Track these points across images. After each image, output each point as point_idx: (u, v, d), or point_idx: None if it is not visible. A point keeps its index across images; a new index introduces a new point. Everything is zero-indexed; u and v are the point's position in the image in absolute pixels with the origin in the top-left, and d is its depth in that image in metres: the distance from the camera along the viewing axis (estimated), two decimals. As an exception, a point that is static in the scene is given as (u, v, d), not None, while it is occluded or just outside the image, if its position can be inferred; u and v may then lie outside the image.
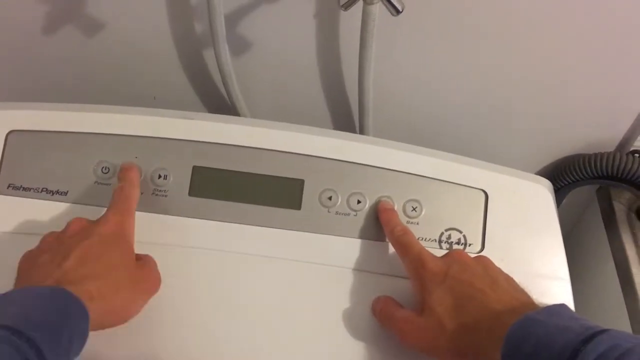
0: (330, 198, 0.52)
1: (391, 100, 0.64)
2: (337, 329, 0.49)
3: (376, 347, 0.48)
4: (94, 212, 0.51)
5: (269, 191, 0.52)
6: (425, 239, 0.52)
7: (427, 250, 0.48)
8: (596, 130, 0.65)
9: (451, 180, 0.53)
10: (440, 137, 0.66)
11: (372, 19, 0.50)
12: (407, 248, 0.48)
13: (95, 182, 0.52)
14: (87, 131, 0.52)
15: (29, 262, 0.44)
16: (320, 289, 0.51)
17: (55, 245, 0.45)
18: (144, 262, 0.48)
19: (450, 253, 0.48)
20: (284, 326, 0.48)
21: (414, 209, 0.53)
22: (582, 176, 0.65)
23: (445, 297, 0.44)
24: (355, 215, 0.52)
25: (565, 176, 0.67)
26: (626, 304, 0.59)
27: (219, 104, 0.68)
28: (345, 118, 0.67)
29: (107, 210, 0.47)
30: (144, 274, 0.47)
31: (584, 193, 0.72)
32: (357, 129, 0.66)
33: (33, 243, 0.49)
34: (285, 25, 0.58)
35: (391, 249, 0.52)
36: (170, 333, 0.47)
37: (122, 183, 0.49)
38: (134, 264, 0.46)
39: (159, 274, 0.48)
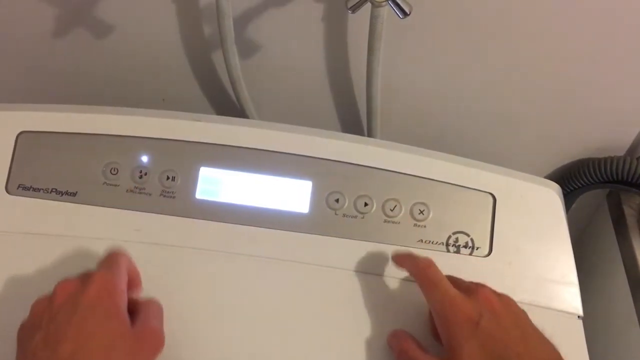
0: (337, 200, 0.52)
1: (399, 103, 0.64)
2: (343, 332, 0.49)
3: (383, 351, 0.48)
4: (102, 213, 0.51)
5: (276, 193, 0.52)
6: (433, 242, 0.52)
7: (454, 289, 0.44)
8: (606, 134, 0.64)
9: (459, 184, 0.53)
10: (449, 141, 0.66)
11: (380, 21, 0.50)
12: (434, 284, 0.45)
13: (104, 183, 0.52)
14: (96, 132, 0.53)
15: (25, 336, 0.41)
16: (327, 292, 0.51)
17: (46, 319, 0.41)
18: (143, 321, 0.43)
19: (477, 292, 0.45)
20: (291, 328, 0.49)
21: (421, 212, 0.52)
22: (592, 180, 0.65)
23: (477, 354, 0.41)
24: (362, 217, 0.52)
25: (575, 180, 0.66)
26: (636, 309, 0.59)
27: (228, 106, 0.68)
28: (353, 121, 0.67)
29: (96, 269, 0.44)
30: (144, 338, 0.42)
31: (594, 197, 0.72)
32: (365, 131, 0.66)
33: (43, 243, 0.50)
34: (293, 29, 0.58)
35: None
36: (177, 337, 0.47)
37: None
38: (130, 333, 0.41)
39: (160, 330, 0.44)
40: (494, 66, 0.59)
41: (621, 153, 0.66)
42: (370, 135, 0.65)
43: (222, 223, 0.52)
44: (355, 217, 0.52)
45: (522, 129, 0.66)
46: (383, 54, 0.54)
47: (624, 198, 0.67)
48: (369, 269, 0.52)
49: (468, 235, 0.52)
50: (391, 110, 0.64)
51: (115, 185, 0.52)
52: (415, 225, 0.52)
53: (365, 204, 0.52)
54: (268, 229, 0.52)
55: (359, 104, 0.65)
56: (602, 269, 0.70)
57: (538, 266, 0.52)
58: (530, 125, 0.65)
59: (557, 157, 0.69)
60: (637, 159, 0.61)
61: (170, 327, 0.46)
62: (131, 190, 0.52)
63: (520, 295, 0.51)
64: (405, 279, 0.51)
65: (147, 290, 0.49)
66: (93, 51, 0.64)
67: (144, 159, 0.52)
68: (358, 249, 0.52)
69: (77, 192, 0.52)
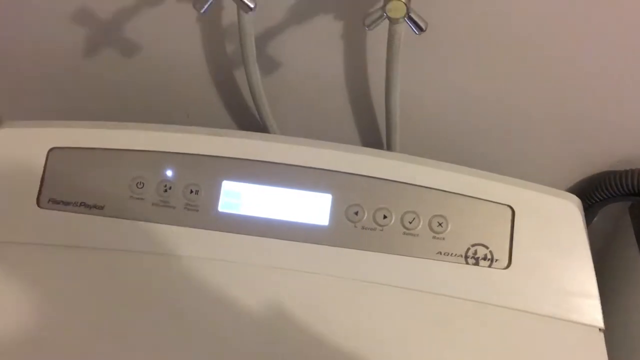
0: (356, 213, 0.53)
1: (418, 116, 0.64)
2: (364, 345, 0.49)
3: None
4: (128, 227, 0.53)
5: (296, 206, 0.53)
6: (452, 254, 0.53)
7: None
8: (628, 146, 0.64)
9: (477, 196, 0.54)
10: (468, 154, 0.67)
11: (398, 37, 0.51)
12: None
13: (130, 196, 0.54)
14: (123, 148, 0.55)
15: None
16: (347, 303, 0.51)
17: None
18: None
19: None
20: (314, 341, 0.49)
21: (439, 225, 0.53)
22: (613, 193, 0.65)
23: None
24: (382, 230, 0.53)
25: (597, 193, 0.66)
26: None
27: (250, 121, 0.70)
28: (373, 135, 0.68)
29: None
30: None
31: (616, 210, 0.71)
32: (385, 145, 0.67)
33: (72, 256, 0.52)
34: (313, 46, 0.59)
35: (417, 265, 0.52)
36: (198, 348, 0.48)
37: None
38: None
39: None
40: (513, 78, 0.59)
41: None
42: (389, 149, 0.66)
43: (244, 235, 0.53)
44: (375, 229, 0.53)
45: (543, 142, 0.66)
46: (401, 68, 0.55)
47: (646, 210, 0.66)
48: (388, 281, 0.52)
49: (487, 248, 0.53)
50: (410, 124, 0.64)
51: (141, 199, 0.54)
52: (434, 237, 0.53)
53: (385, 217, 0.53)
54: (289, 241, 0.53)
55: (378, 118, 0.66)
56: (625, 282, 0.69)
57: (558, 278, 0.52)
58: (551, 138, 0.65)
59: (578, 170, 0.69)
60: (659, 171, 0.61)
61: (193, 338, 0.48)
62: (156, 204, 0.54)
63: (540, 308, 0.51)
64: (423, 291, 0.52)
65: (171, 302, 0.50)
66: (121, 69, 0.66)
67: (169, 173, 0.54)
68: (377, 261, 0.52)
69: (104, 205, 0.54)
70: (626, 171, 0.63)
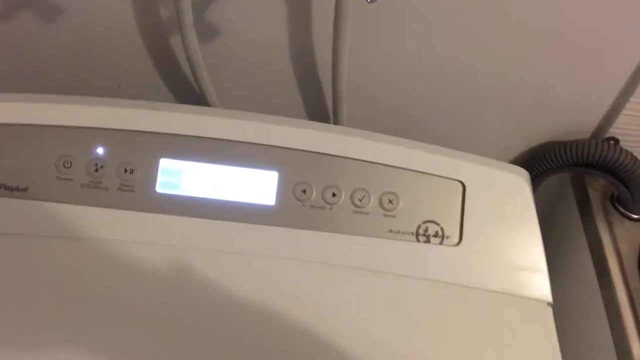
0: (304, 191, 0.51)
1: (366, 89, 0.62)
2: (311, 327, 0.47)
3: (350, 347, 0.47)
4: (55, 209, 0.48)
5: (241, 185, 0.50)
6: (402, 232, 0.51)
7: None
8: (571, 117, 0.64)
9: (428, 172, 0.52)
10: (415, 127, 0.65)
11: (346, 4, 0.48)
12: None
13: (57, 177, 0.49)
14: (47, 123, 0.50)
15: None
16: (295, 285, 0.49)
17: None
18: None
19: None
20: (259, 325, 0.47)
21: (390, 202, 0.51)
22: (557, 164, 0.65)
23: None
24: (331, 208, 0.51)
25: (540, 164, 0.66)
26: (602, 293, 0.59)
27: (188, 93, 0.65)
28: (320, 108, 0.65)
29: None
30: None
31: (558, 181, 0.72)
32: (332, 119, 0.64)
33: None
34: (256, 11, 0.56)
35: (367, 244, 0.50)
36: (138, 337, 0.45)
37: None
38: None
39: None
40: (458, 49, 0.58)
41: (586, 136, 0.66)
42: (336, 122, 0.63)
43: (184, 217, 0.50)
44: (324, 208, 0.51)
45: (487, 114, 0.65)
46: (350, 36, 0.52)
47: (589, 181, 0.67)
48: (338, 261, 0.50)
49: (438, 224, 0.52)
50: (358, 96, 0.62)
51: (69, 180, 0.49)
52: (385, 215, 0.51)
53: (334, 195, 0.51)
54: (233, 222, 0.50)
55: (325, 90, 0.63)
56: (567, 253, 0.70)
57: (508, 254, 0.52)
58: (495, 110, 0.64)
59: (522, 141, 0.68)
60: (602, 142, 0.61)
61: (133, 326, 0.44)
62: (86, 185, 0.49)
63: (490, 284, 0.51)
64: (373, 270, 0.50)
65: (108, 290, 0.46)
66: (40, 35, 0.60)
67: (100, 151, 0.50)
68: (327, 241, 0.50)
69: (27, 187, 0.49)
70: (570, 142, 0.63)
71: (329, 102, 0.64)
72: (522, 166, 0.57)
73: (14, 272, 0.47)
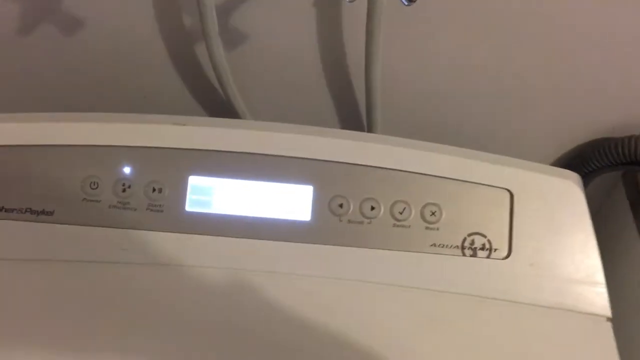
0: (341, 205, 0.48)
1: (400, 93, 0.59)
2: (352, 348, 0.44)
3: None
4: (83, 233, 0.47)
5: (274, 201, 0.48)
6: (447, 245, 0.48)
7: None
8: (621, 112, 0.60)
9: (472, 180, 0.49)
10: (453, 132, 0.62)
11: (379, 4, 0.45)
12: None
13: (84, 199, 0.47)
14: (71, 143, 0.48)
15: None
16: (333, 305, 0.47)
17: None
18: None
19: None
20: (297, 347, 0.44)
21: (433, 214, 0.48)
22: (607, 162, 0.61)
23: None
24: (370, 223, 0.48)
25: (589, 163, 0.62)
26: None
27: (215, 103, 0.63)
28: (352, 115, 0.62)
29: None
30: None
31: (609, 179, 0.68)
32: (365, 125, 0.61)
33: (19, 270, 0.46)
34: (284, 17, 0.53)
35: (409, 259, 0.47)
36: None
37: None
38: None
39: None
40: (499, 48, 0.54)
41: (637, 132, 0.62)
42: (370, 129, 0.60)
43: (216, 237, 0.47)
44: (362, 222, 0.48)
45: (531, 113, 0.61)
46: (383, 40, 0.49)
47: (642, 179, 0.63)
48: (379, 279, 0.47)
49: (485, 237, 0.48)
50: (392, 101, 0.59)
51: (96, 201, 0.47)
52: (427, 228, 0.48)
53: (372, 208, 0.48)
54: (267, 241, 0.48)
55: (358, 95, 0.60)
56: (618, 254, 0.66)
57: (562, 266, 0.48)
58: (541, 108, 0.61)
59: (569, 140, 0.65)
60: (657, 139, 0.57)
61: (166, 350, 0.42)
62: (114, 206, 0.47)
63: (544, 299, 0.48)
64: (417, 288, 0.47)
65: (139, 314, 0.44)
66: (63, 49, 0.58)
67: (126, 170, 0.48)
68: (366, 258, 0.48)
69: (54, 210, 0.47)
70: (621, 139, 0.59)
71: (362, 109, 0.61)
72: (569, 166, 0.53)
73: (43, 299, 0.45)
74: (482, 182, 0.49)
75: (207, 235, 0.47)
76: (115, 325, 0.44)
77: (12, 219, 0.47)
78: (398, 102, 0.59)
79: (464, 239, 0.48)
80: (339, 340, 0.45)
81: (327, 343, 0.44)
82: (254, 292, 0.46)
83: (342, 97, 0.61)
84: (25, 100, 0.64)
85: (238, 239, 0.47)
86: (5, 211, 0.47)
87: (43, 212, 0.47)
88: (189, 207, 0.47)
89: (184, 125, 0.48)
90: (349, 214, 0.48)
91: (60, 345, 0.43)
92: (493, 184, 0.49)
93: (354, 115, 0.62)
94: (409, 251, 0.48)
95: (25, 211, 0.47)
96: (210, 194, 0.48)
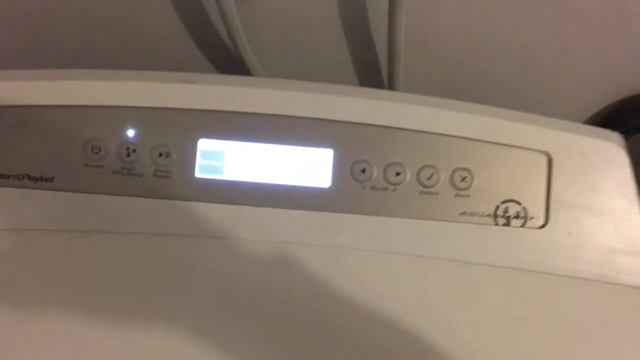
0: (363, 171, 0.44)
1: (424, 46, 0.54)
2: (379, 326, 0.41)
3: (416, 339, 0.40)
4: (85, 200, 0.43)
5: (291, 166, 0.44)
6: (478, 214, 0.44)
7: None
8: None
9: (506, 143, 0.45)
10: (484, 89, 0.57)
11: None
12: None
13: (85, 164, 0.44)
14: (71, 103, 0.44)
15: None
16: (358, 279, 0.43)
17: None
18: None
19: None
20: (314, 323, 0.41)
21: (463, 179, 0.44)
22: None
23: None
24: (395, 189, 0.44)
25: (628, 121, 0.58)
26: None
27: (227, 61, 0.59)
28: (371, 69, 0.58)
29: None
30: None
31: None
32: (386, 83, 0.57)
33: (17, 240, 0.42)
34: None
35: (437, 229, 0.44)
36: (183, 335, 0.40)
37: None
38: None
39: None
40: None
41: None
42: (391, 85, 0.56)
43: (227, 205, 0.44)
44: (386, 189, 0.44)
45: (569, 66, 0.56)
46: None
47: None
48: (406, 250, 0.44)
49: (520, 204, 0.45)
50: (416, 54, 0.54)
51: (99, 167, 0.44)
52: (457, 195, 0.44)
53: (397, 173, 0.44)
54: (283, 209, 0.44)
55: (378, 47, 0.55)
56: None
57: (602, 235, 0.45)
58: (581, 60, 0.56)
59: (609, 95, 0.60)
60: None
61: (176, 325, 0.39)
62: (118, 172, 0.44)
63: (582, 271, 0.44)
64: (448, 260, 0.44)
65: (147, 287, 0.41)
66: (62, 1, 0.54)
67: (131, 133, 0.44)
68: (391, 227, 0.44)
69: (53, 177, 0.44)
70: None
71: (383, 64, 0.56)
72: (607, 124, 0.49)
73: (42, 271, 0.42)
74: (517, 145, 0.45)
75: (218, 203, 0.44)
76: (119, 300, 0.41)
77: (9, 186, 0.43)
78: (422, 57, 0.55)
79: (497, 207, 0.45)
80: (363, 316, 0.41)
81: (349, 320, 0.41)
82: (268, 266, 0.43)
83: (360, 50, 0.56)
84: (20, 55, 0.59)
85: (251, 208, 0.44)
86: (1, 177, 0.43)
87: (42, 179, 0.44)
88: (198, 173, 0.44)
89: (193, 83, 0.44)
90: (372, 179, 0.44)
91: (60, 320, 0.40)
92: (529, 147, 0.45)
93: (373, 71, 0.58)
94: (437, 220, 0.44)
95: (23, 177, 0.44)
96: (222, 159, 0.44)
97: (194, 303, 0.41)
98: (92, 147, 0.44)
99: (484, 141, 0.45)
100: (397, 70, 0.54)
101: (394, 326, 0.41)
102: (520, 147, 0.45)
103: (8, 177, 0.43)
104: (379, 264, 0.44)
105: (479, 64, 0.57)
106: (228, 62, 0.58)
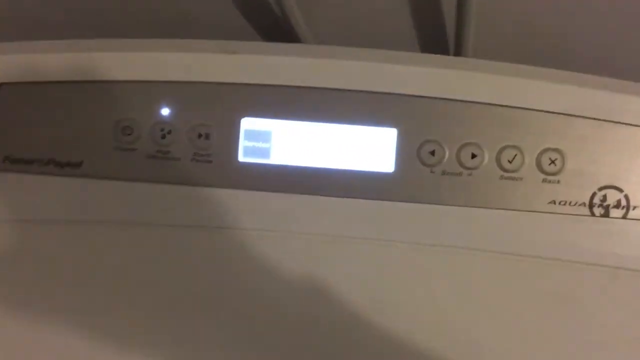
0: (433, 153, 0.38)
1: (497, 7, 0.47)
2: (450, 325, 0.36)
3: (503, 340, 0.35)
4: (117, 189, 0.38)
5: (348, 148, 0.38)
6: (571, 203, 0.38)
7: None
8: None
9: (605, 118, 0.38)
10: (567, 55, 0.50)
11: None
12: None
13: (116, 147, 0.39)
14: (98, 79, 0.39)
15: None
16: (425, 276, 0.38)
17: None
18: None
19: None
20: (379, 327, 0.36)
21: (552, 162, 0.38)
22: None
23: None
24: (470, 174, 0.38)
25: None
26: None
27: (273, 26, 0.52)
28: (436, 31, 0.51)
29: None
30: None
31: None
32: (451, 49, 0.50)
33: (42, 232, 0.38)
34: None
35: (522, 221, 0.37)
36: (227, 334, 0.35)
37: None
38: None
39: None
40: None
41: None
42: (458, 51, 0.49)
43: (275, 193, 0.38)
44: (460, 174, 0.38)
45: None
46: None
47: None
48: (483, 246, 0.38)
49: (621, 191, 0.38)
50: (487, 15, 0.47)
51: (131, 150, 0.39)
52: (544, 180, 0.38)
53: (473, 156, 0.38)
54: (339, 198, 0.38)
55: (445, 9, 0.48)
56: None
57: None
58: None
59: None
60: None
61: (219, 324, 0.35)
62: (152, 156, 0.39)
63: (698, 272, 0.37)
64: (536, 257, 0.38)
65: (189, 285, 0.37)
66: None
67: (166, 111, 0.39)
68: (466, 219, 0.38)
69: (82, 161, 0.39)
70: None
71: (449, 24, 0.49)
72: None
73: (72, 266, 0.38)
74: (618, 120, 0.38)
75: (265, 191, 0.38)
76: (159, 299, 0.37)
77: (33, 173, 0.39)
78: (494, 17, 0.48)
79: (593, 194, 0.38)
80: (442, 320, 0.36)
81: (424, 326, 0.35)
82: (323, 263, 0.38)
83: (422, 11, 0.50)
84: (40, 24, 0.54)
85: (303, 196, 0.38)
86: (25, 163, 0.39)
87: (68, 164, 0.39)
88: (242, 157, 0.38)
89: (234, 53, 0.38)
90: (443, 163, 0.38)
91: (81, 318, 0.35)
92: (632, 122, 0.38)
93: (438, 33, 0.51)
94: (521, 210, 0.38)
95: (48, 163, 0.39)
96: (268, 140, 0.38)
97: (240, 303, 0.36)
98: (123, 127, 0.39)
99: (577, 116, 0.38)
100: (467, 32, 0.47)
101: (474, 336, 0.35)
102: (621, 122, 0.38)
103: (31, 162, 0.39)
104: (453, 262, 0.38)
105: (562, 25, 0.49)
106: (274, 28, 0.52)
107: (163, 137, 0.39)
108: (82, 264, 0.38)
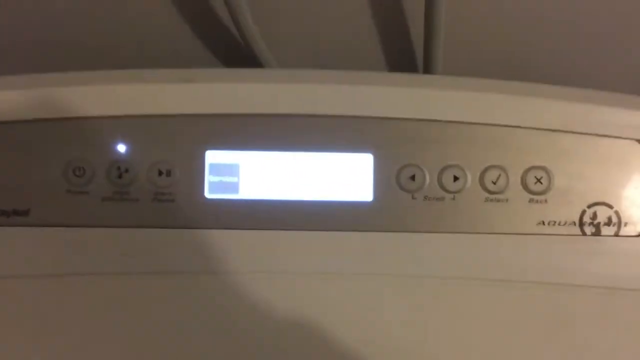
0: (413, 177, 0.35)
1: (467, 20, 0.45)
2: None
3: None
4: (67, 236, 0.35)
5: (322, 178, 0.35)
6: (560, 222, 0.36)
7: None
8: None
9: (590, 132, 0.36)
10: (537, 67, 0.48)
11: None
12: None
13: (67, 190, 0.35)
14: (46, 117, 0.36)
15: None
16: (412, 310, 0.36)
17: None
18: None
19: None
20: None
21: (538, 181, 0.36)
22: None
23: None
24: (453, 199, 0.36)
25: None
26: None
27: (232, 51, 0.50)
28: (404, 49, 0.49)
29: None
30: None
31: None
32: (420, 66, 0.48)
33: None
34: None
35: (510, 244, 0.35)
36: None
37: None
38: None
39: None
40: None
41: None
42: (427, 68, 0.47)
43: (247, 231, 0.35)
44: (443, 199, 0.36)
45: (628, 41, 0.48)
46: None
47: None
48: (471, 274, 0.36)
49: (611, 207, 0.36)
50: (455, 31, 0.45)
51: (84, 193, 0.35)
52: (531, 201, 0.36)
53: (456, 178, 0.35)
54: (316, 232, 0.36)
55: (411, 22, 0.47)
56: None
57: None
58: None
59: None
60: None
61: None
62: (108, 198, 0.35)
63: (695, 288, 0.35)
64: (527, 282, 0.36)
65: (154, 337, 0.34)
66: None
67: (121, 148, 0.35)
68: (452, 246, 0.36)
69: (29, 209, 0.35)
70: None
71: (416, 43, 0.48)
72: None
73: (21, 322, 0.34)
74: (604, 134, 0.36)
75: (235, 229, 0.35)
76: (118, 351, 0.33)
77: (-25, 224, 0.35)
78: (465, 31, 0.46)
79: (583, 212, 0.36)
80: (431, 353, 0.33)
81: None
82: (301, 303, 0.35)
83: (388, 29, 0.48)
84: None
85: (276, 232, 0.36)
86: (-35, 213, 0.35)
87: (15, 213, 0.35)
88: (208, 193, 0.35)
89: (192, 82, 0.35)
90: (424, 188, 0.35)
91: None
92: (620, 135, 0.36)
93: (406, 50, 0.49)
94: (509, 233, 0.36)
95: (-8, 212, 0.35)
96: (236, 174, 0.35)
97: (209, 348, 0.33)
98: (75, 168, 0.35)
99: (562, 131, 0.36)
100: (436, 47, 0.45)
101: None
102: (607, 135, 0.36)
103: (-27, 212, 0.35)
104: (440, 292, 0.36)
105: (535, 40, 0.48)
106: (233, 52, 0.49)
107: (119, 176, 0.35)
108: (34, 323, 0.35)
